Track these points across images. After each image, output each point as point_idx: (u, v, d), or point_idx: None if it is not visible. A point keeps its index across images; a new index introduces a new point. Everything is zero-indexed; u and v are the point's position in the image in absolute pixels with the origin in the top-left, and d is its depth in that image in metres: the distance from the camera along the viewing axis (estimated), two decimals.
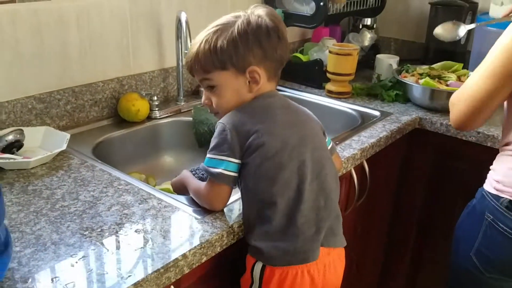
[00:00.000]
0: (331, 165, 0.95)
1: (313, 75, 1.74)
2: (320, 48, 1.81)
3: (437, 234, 1.62)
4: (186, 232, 0.86)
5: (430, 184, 1.57)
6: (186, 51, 1.30)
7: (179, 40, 1.42)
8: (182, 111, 1.49)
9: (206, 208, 0.93)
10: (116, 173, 1.07)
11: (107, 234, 0.84)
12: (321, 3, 1.63)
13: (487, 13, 1.85)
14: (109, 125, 1.36)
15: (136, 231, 0.85)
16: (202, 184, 0.93)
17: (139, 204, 0.94)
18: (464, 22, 1.89)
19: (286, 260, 0.87)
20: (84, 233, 0.84)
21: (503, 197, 1.07)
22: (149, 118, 1.41)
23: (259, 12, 0.91)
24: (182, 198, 0.98)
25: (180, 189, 1.02)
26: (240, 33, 0.88)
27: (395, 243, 1.71)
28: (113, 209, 0.92)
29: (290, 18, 1.73)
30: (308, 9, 1.72)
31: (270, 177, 0.87)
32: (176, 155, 1.45)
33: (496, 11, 1.79)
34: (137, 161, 1.36)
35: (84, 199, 0.95)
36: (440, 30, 1.53)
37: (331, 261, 0.92)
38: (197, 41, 0.92)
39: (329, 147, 0.99)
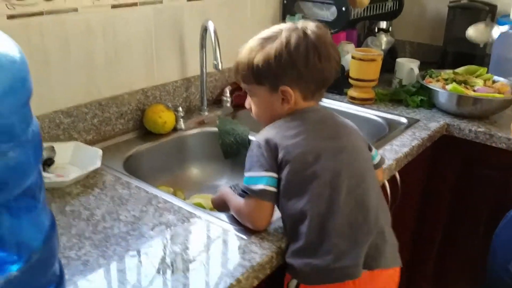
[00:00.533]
0: (373, 179, 0.93)
1: (335, 83, 1.71)
2: (341, 53, 1.78)
3: (463, 243, 1.60)
4: (235, 254, 0.83)
5: (457, 191, 1.55)
6: (215, 62, 1.27)
7: (203, 49, 1.40)
8: (206, 121, 1.46)
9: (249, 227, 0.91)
10: (153, 190, 1.04)
11: (155, 258, 0.81)
12: (343, 8, 1.61)
13: (508, 15, 1.84)
14: (135, 137, 1.33)
15: (184, 253, 0.83)
16: (243, 202, 0.90)
17: (182, 223, 0.92)
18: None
19: (319, 278, 0.84)
20: (132, 257, 0.81)
21: None
22: (175, 129, 1.39)
23: (305, 30, 0.89)
24: (224, 216, 0.96)
25: (221, 205, 1.00)
26: (276, 53, 0.88)
27: (419, 254, 1.69)
28: (156, 229, 0.90)
29: None
30: (328, 14, 1.70)
31: (299, 191, 0.85)
32: (202, 166, 1.42)
33: None
34: (164, 174, 1.33)
35: (126, 219, 0.93)
36: (472, 32, 1.51)
37: (381, 284, 0.87)
38: (242, 51, 0.93)
39: (375, 161, 0.97)
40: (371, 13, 1.81)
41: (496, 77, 1.62)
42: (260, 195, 0.86)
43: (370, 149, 0.96)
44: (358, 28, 2.07)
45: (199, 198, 1.25)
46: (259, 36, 0.93)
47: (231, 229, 0.91)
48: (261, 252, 0.84)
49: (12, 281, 0.56)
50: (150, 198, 1.00)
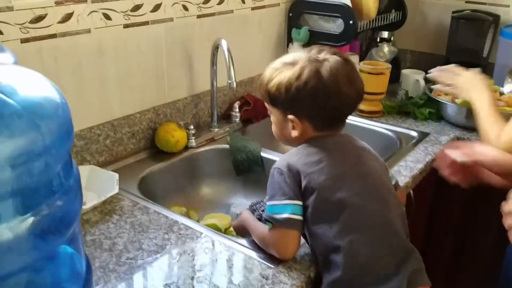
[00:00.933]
0: (394, 201, 0.92)
1: None
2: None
3: (474, 252, 1.61)
4: (265, 286, 0.82)
5: (466, 204, 1.56)
6: (229, 81, 1.26)
7: (214, 67, 1.38)
8: (216, 138, 1.45)
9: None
10: (172, 215, 1.02)
11: None
12: (351, 22, 1.60)
13: (511, 25, 1.85)
14: (147, 157, 1.31)
15: (213, 284, 0.82)
16: (266, 230, 0.88)
17: (206, 253, 0.90)
18: (487, 36, 1.90)
19: None
20: None
21: None
22: (185, 147, 1.37)
23: (320, 67, 0.87)
24: (248, 243, 0.94)
25: (242, 231, 0.99)
26: (287, 82, 0.89)
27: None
28: (181, 260, 0.88)
29: (316, 36, 1.69)
30: (334, 27, 1.69)
31: (329, 219, 0.83)
32: (214, 184, 1.41)
33: None
34: (176, 194, 1.32)
35: (148, 248, 0.91)
36: None
37: None
38: (265, 70, 0.94)
39: (393, 183, 0.96)
40: (376, 25, 1.81)
41: (501, 89, 1.63)
42: (285, 225, 0.84)
43: (386, 170, 0.96)
44: (360, 38, 2.07)
45: (213, 218, 1.24)
46: (282, 59, 0.93)
47: (257, 257, 0.89)
48: (290, 283, 0.83)
49: None
50: (170, 225, 0.99)
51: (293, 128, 0.91)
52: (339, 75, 0.87)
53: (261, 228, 0.90)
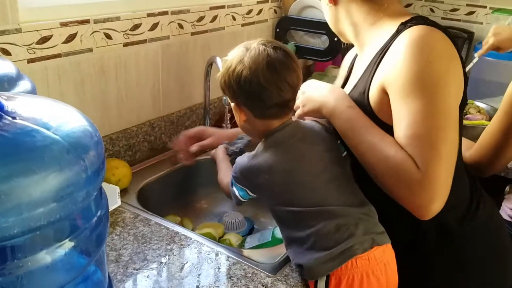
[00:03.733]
0: (344, 161, 1.00)
1: None
2: (329, 78, 1.87)
3: None
4: None
5: None
6: (225, 98, 1.32)
7: (207, 82, 1.45)
8: (208, 149, 1.51)
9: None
10: (172, 226, 1.08)
11: None
12: (335, 38, 1.69)
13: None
14: (143, 169, 1.36)
15: None
16: (225, 179, 1.07)
17: (208, 262, 0.97)
18: (461, 51, 2.01)
19: (339, 261, 0.88)
20: None
21: None
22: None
23: (244, 56, 0.94)
24: (246, 251, 1.02)
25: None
26: (224, 73, 0.97)
27: None
28: (185, 270, 0.94)
29: (302, 51, 1.78)
30: (319, 42, 1.78)
31: (288, 199, 0.93)
32: (207, 194, 1.47)
33: None
34: (171, 203, 1.37)
35: (153, 259, 0.97)
36: None
37: (389, 258, 0.93)
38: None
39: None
40: None
41: (476, 102, 1.74)
42: (232, 197, 1.03)
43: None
44: (341, 52, 2.16)
45: (208, 228, 1.30)
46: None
47: (255, 266, 0.96)
48: None
49: None
50: (172, 236, 1.05)
51: (239, 116, 0.99)
52: (259, 64, 0.91)
53: (226, 178, 1.08)
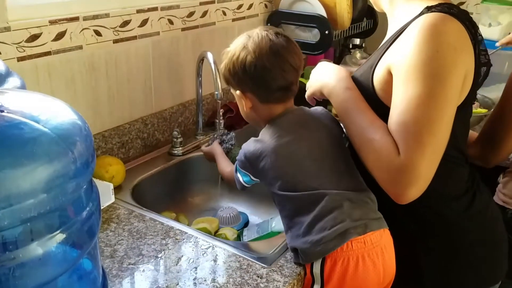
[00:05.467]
0: (345, 149, 1.02)
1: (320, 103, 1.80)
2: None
3: None
4: (260, 284, 0.90)
5: None
6: (216, 92, 1.32)
7: (199, 78, 1.45)
8: (201, 145, 1.51)
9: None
10: (167, 221, 1.09)
11: None
12: (326, 32, 1.69)
13: None
14: (136, 166, 1.36)
15: (213, 286, 0.89)
16: (230, 170, 1.12)
17: (203, 254, 0.97)
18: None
19: (335, 243, 0.90)
20: None
21: (509, 209, 1.19)
22: (172, 155, 1.43)
23: (247, 43, 0.98)
24: (240, 244, 1.02)
25: (210, 159, 1.29)
26: (228, 62, 1.01)
27: None
28: (180, 263, 0.95)
29: None
30: (310, 36, 1.78)
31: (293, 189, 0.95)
32: (201, 189, 1.47)
33: (484, 32, 1.91)
34: (166, 199, 1.38)
35: (148, 254, 0.97)
36: None
37: (386, 243, 0.94)
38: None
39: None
40: (349, 33, 1.91)
41: None
42: (236, 183, 1.06)
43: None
44: (333, 45, 2.17)
45: (203, 222, 1.31)
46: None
47: (251, 258, 0.97)
48: (283, 280, 0.91)
49: None
50: (167, 230, 1.05)
51: (245, 104, 1.02)
52: (263, 48, 0.96)
53: (227, 168, 1.17)
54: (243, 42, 0.99)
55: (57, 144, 0.51)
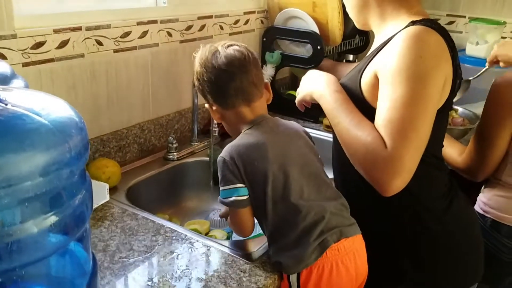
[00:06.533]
0: (320, 160, 1.07)
1: (309, 111, 1.86)
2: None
3: None
4: (243, 278, 0.95)
5: None
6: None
7: (195, 88, 1.51)
8: (196, 151, 1.58)
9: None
10: (158, 220, 1.15)
11: (173, 284, 0.92)
12: (318, 47, 1.77)
13: (463, 50, 2.06)
14: (132, 169, 1.43)
15: (198, 278, 0.94)
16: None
17: (191, 251, 1.03)
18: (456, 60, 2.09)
19: (311, 258, 0.94)
20: (152, 284, 0.92)
21: (487, 217, 1.26)
22: (167, 159, 1.50)
23: (200, 51, 1.06)
24: (227, 242, 1.08)
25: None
26: (197, 73, 1.06)
27: None
28: (169, 258, 1.00)
29: (288, 59, 1.86)
30: (304, 51, 1.85)
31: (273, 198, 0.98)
32: (194, 193, 1.53)
33: (472, 50, 2.00)
34: (160, 202, 1.44)
35: (139, 249, 1.03)
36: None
37: (358, 248, 1.00)
38: None
39: None
40: (342, 49, 1.98)
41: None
42: (235, 205, 1.00)
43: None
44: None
45: (194, 224, 1.37)
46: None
47: (236, 255, 1.03)
48: (265, 275, 0.96)
49: None
50: (157, 228, 1.11)
51: (213, 115, 1.08)
52: (207, 58, 1.02)
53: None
54: (197, 58, 1.06)
55: (54, 135, 0.58)
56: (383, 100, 0.94)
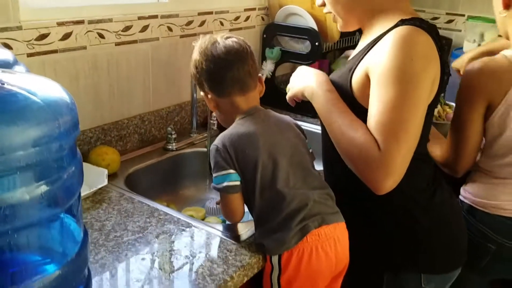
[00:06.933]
0: (309, 152, 1.12)
1: (307, 106, 1.91)
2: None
3: None
4: (229, 256, 1.01)
5: None
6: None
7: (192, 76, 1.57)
8: (195, 142, 1.64)
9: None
10: (153, 204, 1.21)
11: (162, 260, 0.98)
12: (316, 43, 1.81)
13: (461, 48, 2.09)
14: (132, 158, 1.49)
15: (186, 256, 1.00)
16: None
17: (182, 232, 1.09)
18: (447, 56, 2.13)
19: (292, 242, 1.00)
20: (142, 260, 0.98)
21: (465, 202, 1.32)
22: (167, 150, 1.56)
23: (200, 46, 1.10)
24: (217, 225, 1.13)
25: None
26: (191, 69, 1.13)
27: None
28: (160, 237, 1.06)
29: (287, 55, 1.91)
30: (303, 47, 1.90)
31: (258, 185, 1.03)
32: (192, 182, 1.59)
33: (470, 48, 2.03)
34: (158, 190, 1.49)
35: (133, 229, 1.09)
36: None
37: (339, 235, 1.05)
38: None
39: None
40: (342, 46, 2.03)
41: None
42: (226, 191, 1.05)
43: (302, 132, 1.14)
44: (328, 58, 2.29)
45: (191, 211, 1.42)
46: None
47: (224, 236, 1.08)
48: (250, 255, 1.02)
49: (51, 281, 0.71)
50: (152, 211, 1.17)
51: (209, 103, 1.12)
52: (207, 48, 1.07)
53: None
54: (196, 47, 1.11)
55: (45, 111, 0.64)
56: (375, 102, 0.98)
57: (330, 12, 1.14)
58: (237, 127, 1.07)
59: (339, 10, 1.13)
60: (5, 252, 0.70)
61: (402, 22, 1.02)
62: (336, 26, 1.81)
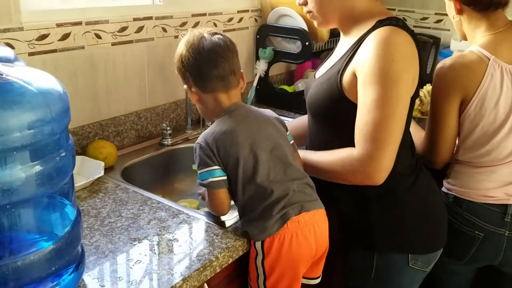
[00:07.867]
0: (289, 144, 1.17)
1: (300, 104, 1.98)
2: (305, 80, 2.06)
3: None
4: (215, 239, 1.07)
5: None
6: None
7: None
8: (190, 138, 1.71)
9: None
10: (147, 194, 1.28)
11: (152, 242, 1.05)
12: (307, 43, 1.88)
13: (448, 46, 2.15)
14: (129, 153, 1.56)
15: (175, 239, 1.07)
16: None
17: (172, 218, 1.16)
18: (429, 56, 2.19)
19: (274, 228, 1.06)
20: (134, 243, 1.05)
21: (450, 194, 1.38)
22: (163, 145, 1.63)
23: (185, 40, 1.15)
24: (206, 213, 1.20)
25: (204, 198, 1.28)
26: (176, 63, 1.17)
27: None
28: (152, 223, 1.13)
29: (279, 55, 1.98)
30: (294, 47, 1.97)
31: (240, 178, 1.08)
32: (186, 176, 1.66)
33: (456, 46, 2.09)
34: (154, 183, 1.56)
35: (126, 216, 1.16)
36: None
37: (318, 221, 1.10)
38: None
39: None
40: (332, 46, 2.09)
41: None
42: (211, 186, 1.09)
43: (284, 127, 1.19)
44: (321, 57, 2.36)
45: (185, 202, 1.49)
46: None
47: (211, 222, 1.15)
48: (235, 238, 1.08)
49: (46, 254, 0.78)
50: (145, 200, 1.24)
51: (191, 96, 1.17)
52: (194, 43, 1.11)
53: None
54: (182, 41, 1.15)
55: (39, 98, 0.72)
56: (361, 104, 1.06)
57: (310, 12, 1.21)
58: (219, 124, 1.11)
59: (316, 7, 1.19)
60: (5, 230, 0.77)
61: (380, 23, 1.10)
62: None
